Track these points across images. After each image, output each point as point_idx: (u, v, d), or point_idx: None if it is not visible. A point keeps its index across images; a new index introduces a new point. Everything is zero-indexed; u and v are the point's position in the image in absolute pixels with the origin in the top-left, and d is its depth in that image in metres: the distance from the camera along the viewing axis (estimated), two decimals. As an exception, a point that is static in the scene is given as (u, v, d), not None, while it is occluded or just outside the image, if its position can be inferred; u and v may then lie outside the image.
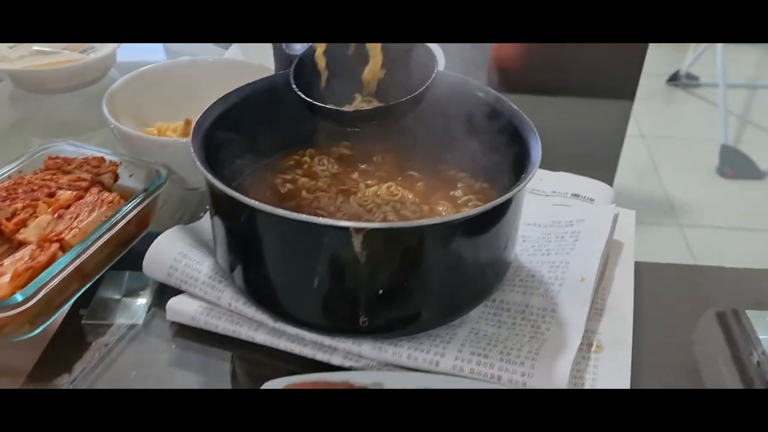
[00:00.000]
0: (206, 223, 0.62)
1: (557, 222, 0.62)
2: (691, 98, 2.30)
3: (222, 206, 0.52)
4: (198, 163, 0.49)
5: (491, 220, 0.49)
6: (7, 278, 0.52)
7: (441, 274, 0.49)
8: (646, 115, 2.08)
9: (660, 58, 2.35)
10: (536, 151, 0.51)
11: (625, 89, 1.06)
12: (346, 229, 0.45)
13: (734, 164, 1.92)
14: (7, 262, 0.54)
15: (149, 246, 0.59)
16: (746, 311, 0.57)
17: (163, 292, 0.59)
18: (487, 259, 0.52)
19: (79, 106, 0.89)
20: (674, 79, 2.31)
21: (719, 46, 2.16)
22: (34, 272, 0.53)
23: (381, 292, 0.48)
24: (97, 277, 0.59)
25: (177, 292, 0.58)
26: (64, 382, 0.54)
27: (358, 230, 0.44)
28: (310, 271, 0.48)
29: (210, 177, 0.48)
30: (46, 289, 0.51)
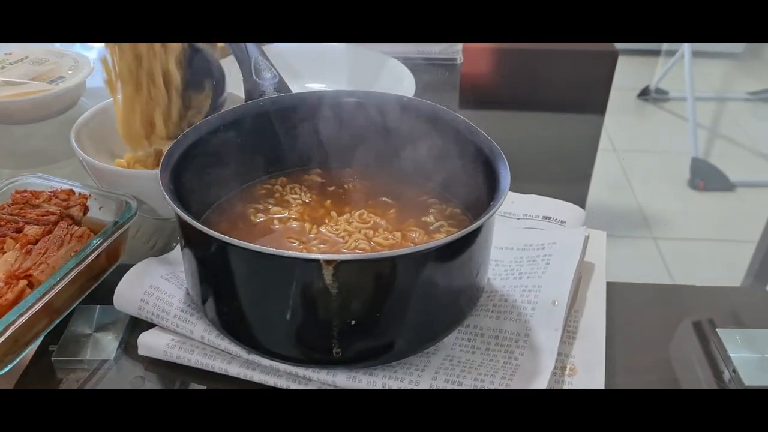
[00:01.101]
0: (178, 254, 0.61)
1: (529, 245, 0.63)
2: (661, 112, 2.33)
3: (192, 239, 0.51)
4: (167, 197, 0.49)
5: (462, 247, 0.49)
6: (-27, 317, 0.51)
7: (414, 302, 0.49)
8: (618, 130, 2.10)
9: (630, 74, 2.38)
10: (505, 178, 0.52)
11: (595, 103, 1.08)
12: (316, 261, 0.45)
13: (705, 176, 1.95)
14: (-27, 300, 0.53)
15: (120, 279, 0.59)
16: (717, 330, 0.58)
17: (135, 326, 0.59)
18: (459, 286, 0.52)
19: (49, 135, 0.89)
20: (644, 93, 2.35)
21: (687, 60, 2.20)
22: (1, 310, 0.52)
23: (353, 322, 0.48)
24: (67, 313, 0.58)
25: (149, 325, 0.57)
26: (34, 421, 0.52)
27: (329, 262, 0.44)
28: (282, 303, 0.48)
29: (179, 211, 0.48)
30: (13, 327, 0.51)
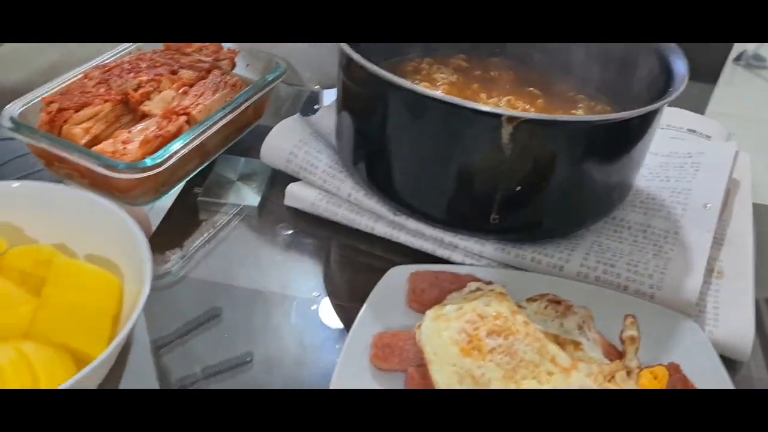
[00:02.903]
0: (322, 117, 0.62)
1: (675, 153, 0.61)
2: (756, 79, 2.25)
3: (359, 88, 0.51)
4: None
5: (640, 127, 0.48)
6: (136, 144, 0.52)
7: (579, 177, 0.48)
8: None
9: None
10: (681, 65, 0.50)
11: (709, 72, 1.04)
12: (498, 116, 0.44)
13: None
14: (134, 130, 0.54)
15: (259, 138, 0.60)
16: None
17: (275, 181, 0.59)
18: (618, 172, 0.51)
19: None
20: (739, 59, 2.26)
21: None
22: (163, 141, 0.53)
23: (519, 189, 0.47)
24: (213, 158, 0.59)
25: (290, 181, 0.58)
26: (175, 256, 0.54)
27: (511, 119, 0.44)
28: (449, 160, 0.48)
29: (353, 54, 0.47)
30: (175, 156, 0.52)
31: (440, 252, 0.52)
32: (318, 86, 0.74)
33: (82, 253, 0.46)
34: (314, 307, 0.50)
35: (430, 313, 0.43)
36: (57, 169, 0.54)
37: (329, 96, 0.73)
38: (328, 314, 0.50)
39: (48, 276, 0.42)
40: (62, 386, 0.35)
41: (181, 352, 0.47)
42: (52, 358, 0.38)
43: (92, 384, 0.40)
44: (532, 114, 0.48)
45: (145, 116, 0.56)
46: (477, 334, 0.41)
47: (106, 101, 0.55)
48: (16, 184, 0.46)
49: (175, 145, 0.52)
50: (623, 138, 0.48)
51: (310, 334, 0.49)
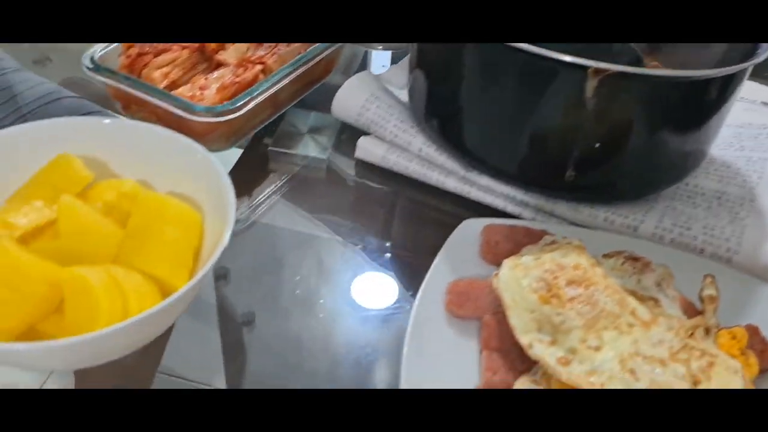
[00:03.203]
0: (393, 74, 0.62)
1: (748, 124, 0.60)
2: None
3: (435, 43, 0.51)
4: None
5: (724, 88, 0.47)
6: (213, 90, 0.53)
7: (658, 136, 0.47)
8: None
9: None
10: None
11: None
12: (583, 68, 0.43)
13: None
14: (211, 77, 0.55)
15: (325, 94, 0.60)
16: None
17: (344, 136, 0.60)
18: (696, 135, 0.50)
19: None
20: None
21: None
22: (239, 87, 0.53)
23: (598, 146, 0.47)
24: (283, 110, 0.60)
25: (358, 138, 0.58)
26: (244, 204, 0.55)
27: (597, 72, 0.43)
28: (527, 115, 0.47)
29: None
30: (252, 102, 0.52)
31: (511, 209, 0.52)
32: (381, 47, 0.74)
33: (164, 191, 0.47)
34: (382, 258, 0.51)
35: (508, 261, 0.43)
36: (134, 112, 0.55)
37: (378, 59, 0.74)
38: (397, 266, 0.50)
39: (133, 208, 0.42)
40: (151, 311, 0.36)
41: (244, 294, 0.48)
42: (140, 284, 0.39)
43: (175, 314, 0.41)
44: (620, 66, 0.47)
45: (219, 65, 0.57)
46: (556, 282, 0.40)
47: (183, 48, 0.56)
48: (107, 120, 0.47)
49: (254, 91, 0.52)
50: (706, 97, 0.47)
51: (377, 285, 0.49)
